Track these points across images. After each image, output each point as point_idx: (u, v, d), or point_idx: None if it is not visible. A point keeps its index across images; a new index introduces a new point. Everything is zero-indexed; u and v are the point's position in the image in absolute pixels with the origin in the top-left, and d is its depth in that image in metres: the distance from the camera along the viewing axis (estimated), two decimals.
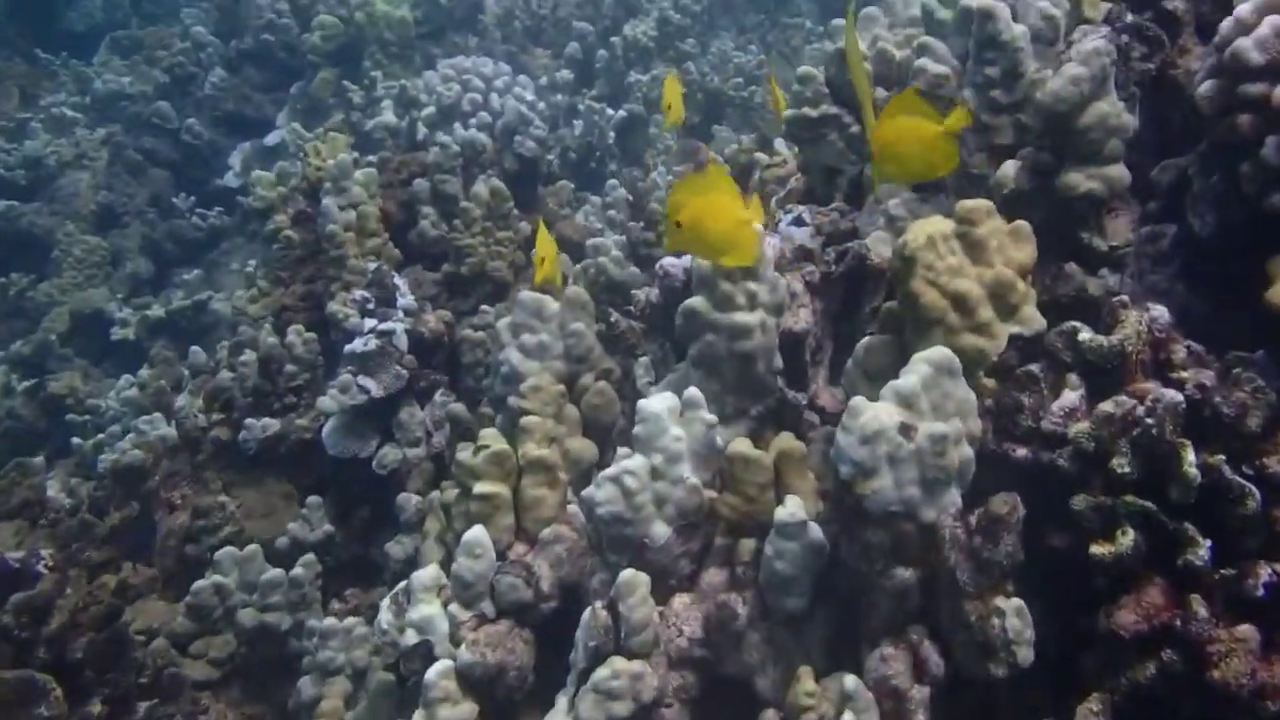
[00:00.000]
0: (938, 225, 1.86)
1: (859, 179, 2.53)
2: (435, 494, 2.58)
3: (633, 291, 2.76)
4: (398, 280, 2.99)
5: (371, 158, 3.73)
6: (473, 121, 4.20)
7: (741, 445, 2.00)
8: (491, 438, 2.30)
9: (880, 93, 2.43)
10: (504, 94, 4.76)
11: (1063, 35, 2.07)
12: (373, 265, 3.05)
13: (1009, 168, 2.00)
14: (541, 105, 4.07)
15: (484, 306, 3.12)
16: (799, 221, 2.44)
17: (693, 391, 2.05)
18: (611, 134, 4.59)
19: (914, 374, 1.70)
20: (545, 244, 2.60)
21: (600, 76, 4.97)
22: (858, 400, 1.68)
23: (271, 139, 5.48)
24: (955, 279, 1.84)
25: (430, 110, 4.67)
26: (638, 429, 2.00)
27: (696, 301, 2.13)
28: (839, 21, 2.46)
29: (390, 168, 3.61)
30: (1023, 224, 1.87)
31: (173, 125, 5.51)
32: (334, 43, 5.45)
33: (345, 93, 5.07)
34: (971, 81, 2.11)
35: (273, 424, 2.97)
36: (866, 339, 2.09)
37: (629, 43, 4.97)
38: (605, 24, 5.25)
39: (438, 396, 2.95)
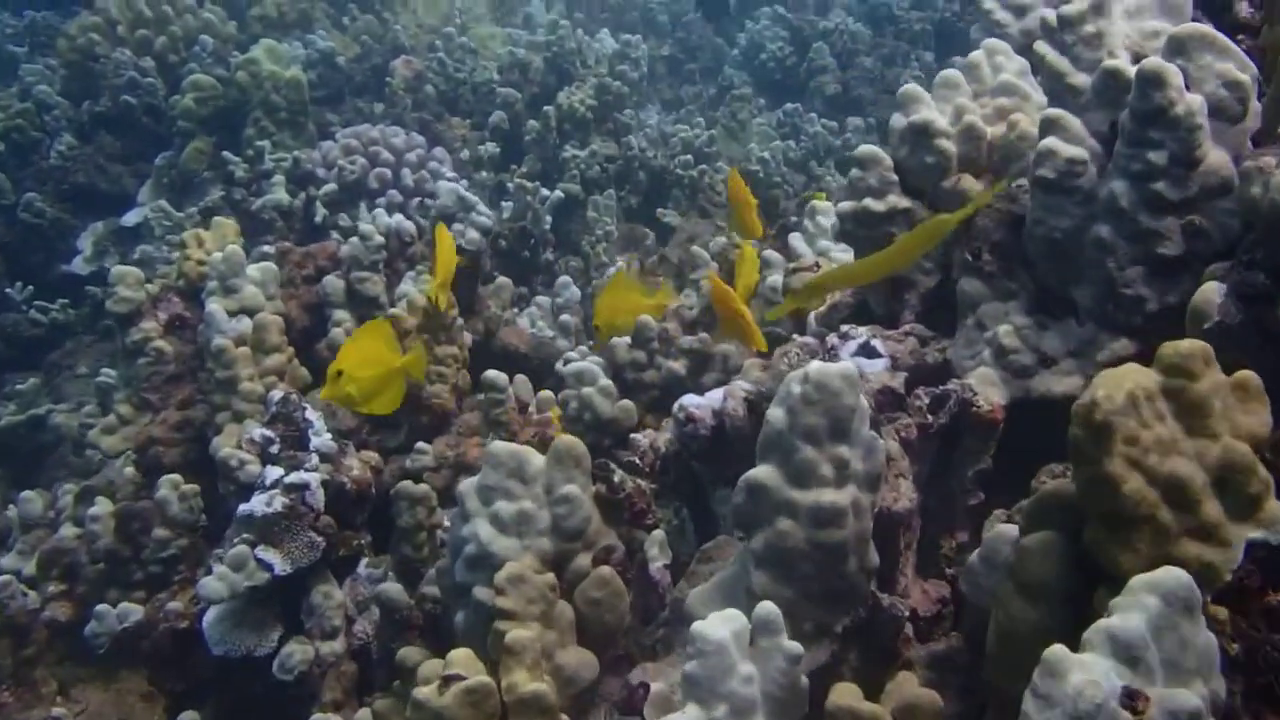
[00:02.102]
0: (1137, 378, 1.35)
1: (938, 292, 2.03)
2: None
3: (633, 437, 2.20)
4: (309, 413, 2.37)
5: (267, 247, 3.11)
6: (381, 201, 3.62)
7: (848, 696, 1.46)
8: (463, 663, 1.71)
9: (971, 183, 1.95)
10: (418, 169, 4.20)
11: (1251, 110, 1.61)
12: (276, 393, 2.42)
13: (1210, 292, 1.51)
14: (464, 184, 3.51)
15: (420, 444, 2.52)
16: (869, 351, 1.93)
17: (768, 610, 1.49)
18: (548, 218, 4.05)
19: (1137, 611, 1.17)
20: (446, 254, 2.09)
21: (530, 150, 4.44)
22: (1058, 653, 1.14)
23: (130, 218, 4.76)
24: (1168, 458, 1.32)
25: (330, 187, 4.08)
26: (693, 667, 1.43)
27: (764, 473, 1.59)
28: (912, 87, 1.97)
29: (292, 260, 3.00)
30: (1250, 377, 1.36)
31: (8, 200, 4.76)
32: (210, 106, 4.80)
33: (225, 164, 4.43)
34: (1123, 170, 1.63)
35: (133, 610, 2.30)
36: (1001, 530, 1.57)
37: (564, 112, 4.46)
38: (534, 91, 4.74)
39: (362, 569, 2.33)
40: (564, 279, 3.35)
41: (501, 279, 3.17)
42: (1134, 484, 1.30)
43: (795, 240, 2.55)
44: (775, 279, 2.52)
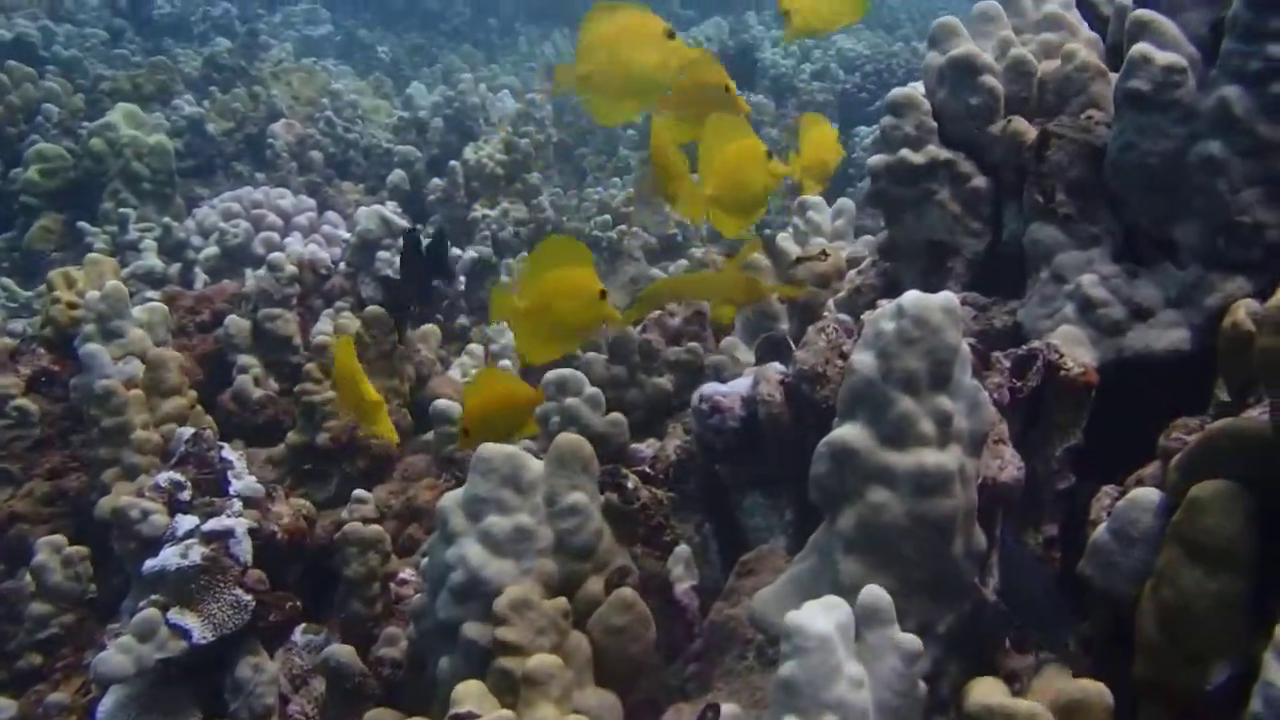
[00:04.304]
0: None
1: (988, 257, 1.83)
2: None
3: (633, 447, 1.92)
4: (227, 453, 2.02)
5: (151, 293, 2.76)
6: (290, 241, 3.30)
7: (994, 693, 1.20)
8: (475, 697, 1.39)
9: (1022, 125, 1.77)
10: (309, 233, 3.89)
11: None
12: (185, 431, 2.06)
13: None
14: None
15: (359, 492, 2.17)
16: None
17: (876, 597, 1.23)
18: (461, 279, 3.77)
19: None
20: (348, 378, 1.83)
21: (435, 211, 4.18)
22: None
23: None
24: None
25: (211, 251, 3.73)
26: (791, 670, 1.13)
27: (852, 433, 1.33)
28: (949, 19, 1.79)
29: (182, 306, 2.65)
30: None
31: None
32: (59, 179, 4.42)
33: (82, 238, 4.03)
34: (1236, 72, 1.46)
35: (6, 707, 1.88)
36: (1137, 496, 1.34)
37: (472, 168, 4.22)
38: (434, 152, 4.50)
39: (299, 636, 1.96)
40: (499, 325, 3.07)
41: (428, 325, 2.87)
42: None
43: (784, 240, 2.34)
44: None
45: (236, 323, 2.56)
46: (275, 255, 2.57)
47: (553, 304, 1.66)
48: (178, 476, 1.96)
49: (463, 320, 3.80)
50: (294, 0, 9.65)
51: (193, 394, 2.32)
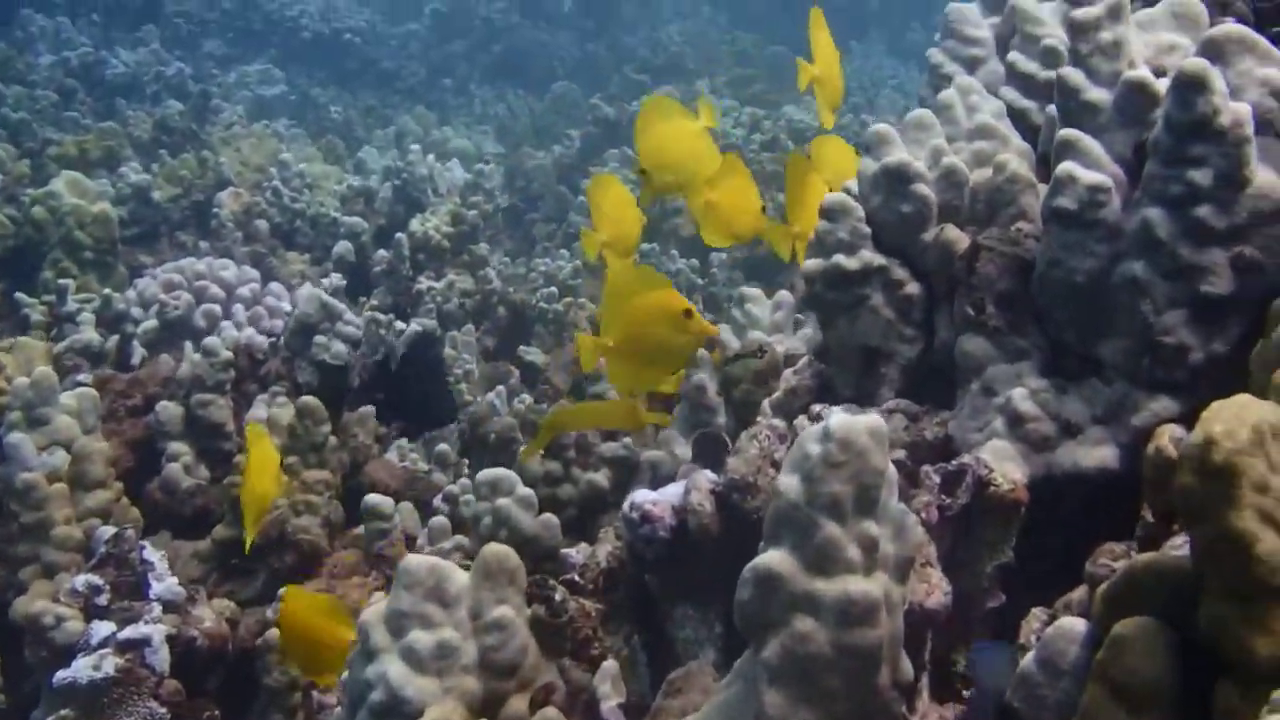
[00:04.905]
0: (1260, 411, 1.12)
1: (921, 363, 1.82)
2: None
3: (564, 552, 1.87)
4: (148, 553, 1.95)
5: (82, 376, 2.69)
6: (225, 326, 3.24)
7: None
8: None
9: (955, 234, 1.76)
10: (252, 305, 3.83)
11: None
12: (106, 530, 1.99)
13: None
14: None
15: (287, 590, 2.10)
16: None
17: None
18: (402, 352, 3.72)
19: None
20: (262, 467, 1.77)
21: (381, 283, 4.13)
22: None
23: None
24: None
25: (150, 325, 3.65)
26: None
27: (777, 559, 1.30)
28: (882, 127, 1.79)
29: (114, 389, 2.59)
30: None
31: None
32: None
33: (19, 309, 3.95)
34: (1159, 195, 1.46)
35: None
36: (1064, 626, 1.31)
37: (418, 240, 4.19)
38: (381, 222, 4.47)
39: None
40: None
41: (365, 408, 2.82)
42: (1270, 543, 1.06)
43: (723, 333, 2.32)
44: (700, 377, 2.26)
45: (168, 409, 2.50)
46: (210, 341, 2.52)
47: (643, 334, 1.64)
48: (96, 580, 1.90)
49: None
50: (248, 60, 9.64)
51: (118, 486, 2.26)
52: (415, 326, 3.94)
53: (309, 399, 2.36)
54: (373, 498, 2.17)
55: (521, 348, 4.33)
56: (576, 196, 6.30)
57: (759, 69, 9.67)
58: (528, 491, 1.96)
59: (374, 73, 10.08)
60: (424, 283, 4.13)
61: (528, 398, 3.55)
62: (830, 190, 1.84)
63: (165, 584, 1.92)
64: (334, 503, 2.35)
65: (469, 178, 4.96)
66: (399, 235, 4.15)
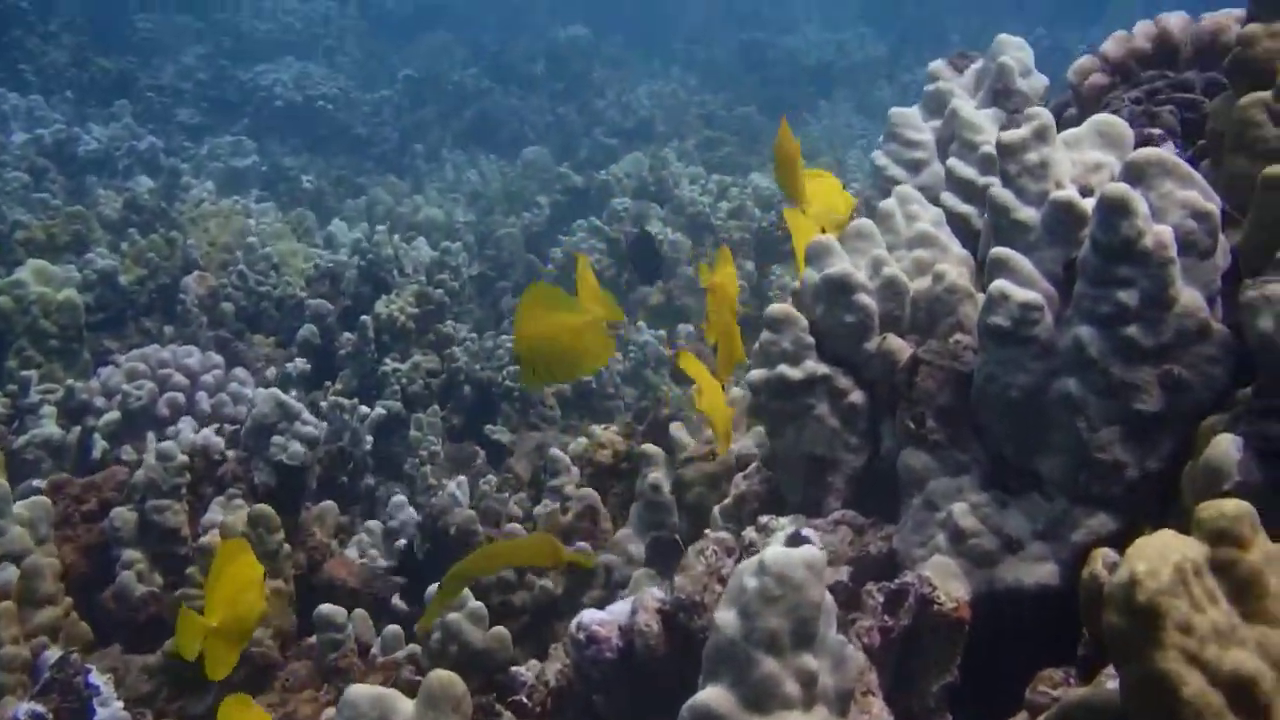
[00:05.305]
0: (1183, 548, 1.12)
1: (867, 472, 1.82)
2: None
3: (514, 671, 1.85)
4: (93, 678, 1.92)
5: (37, 482, 2.66)
6: (183, 426, 3.21)
7: None
8: None
9: (896, 343, 1.76)
10: (216, 392, 3.81)
11: (1220, 245, 1.48)
12: (50, 654, 1.96)
13: (1226, 446, 1.32)
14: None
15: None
16: (799, 543, 1.67)
17: None
18: (368, 438, 3.70)
19: None
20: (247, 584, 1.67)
21: (346, 366, 4.12)
22: None
23: None
24: (1229, 651, 1.09)
25: (112, 417, 3.63)
26: None
27: (714, 696, 1.30)
28: (823, 238, 1.80)
29: (69, 494, 2.56)
30: None
31: None
32: None
33: None
34: (1089, 314, 1.46)
35: None
36: None
37: (382, 322, 4.18)
38: (346, 304, 4.46)
39: None
40: (397, 499, 2.99)
41: (325, 503, 2.79)
42: (1195, 685, 1.06)
43: (677, 430, 2.31)
44: (656, 476, 2.25)
45: (122, 515, 2.47)
46: (165, 445, 2.50)
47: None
48: (38, 709, 1.86)
49: (369, 480, 3.73)
50: (223, 128, 9.67)
51: (68, 602, 2.23)
52: (379, 409, 3.93)
53: (261, 507, 2.33)
54: (326, 608, 2.14)
55: (488, 426, 4.32)
56: (546, 264, 6.32)
57: (728, 131, 9.76)
58: (478, 605, 1.94)
59: (347, 139, 10.12)
60: (389, 364, 4.11)
61: (493, 478, 3.54)
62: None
63: (110, 709, 1.89)
64: (288, 612, 2.32)
65: (435, 255, 4.95)
66: (364, 318, 4.15)
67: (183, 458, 2.50)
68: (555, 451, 2.64)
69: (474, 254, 6.59)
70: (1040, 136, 1.54)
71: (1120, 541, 1.43)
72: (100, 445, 3.57)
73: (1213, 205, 1.46)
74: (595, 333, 1.59)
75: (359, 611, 2.28)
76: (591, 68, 11.97)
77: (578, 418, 4.52)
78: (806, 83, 12.13)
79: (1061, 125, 2.02)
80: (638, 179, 6.93)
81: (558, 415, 4.55)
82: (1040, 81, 2.00)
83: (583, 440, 2.70)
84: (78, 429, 3.65)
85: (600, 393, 4.69)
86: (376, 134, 10.26)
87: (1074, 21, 12.69)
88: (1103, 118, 1.65)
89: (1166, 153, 1.47)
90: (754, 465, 2.00)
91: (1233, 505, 1.12)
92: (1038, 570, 1.54)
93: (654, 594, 1.71)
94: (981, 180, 1.88)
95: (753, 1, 15.55)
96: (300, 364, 4.03)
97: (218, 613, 1.64)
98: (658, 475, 2.25)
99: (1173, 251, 1.42)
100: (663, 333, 5.31)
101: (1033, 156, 1.55)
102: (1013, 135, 1.55)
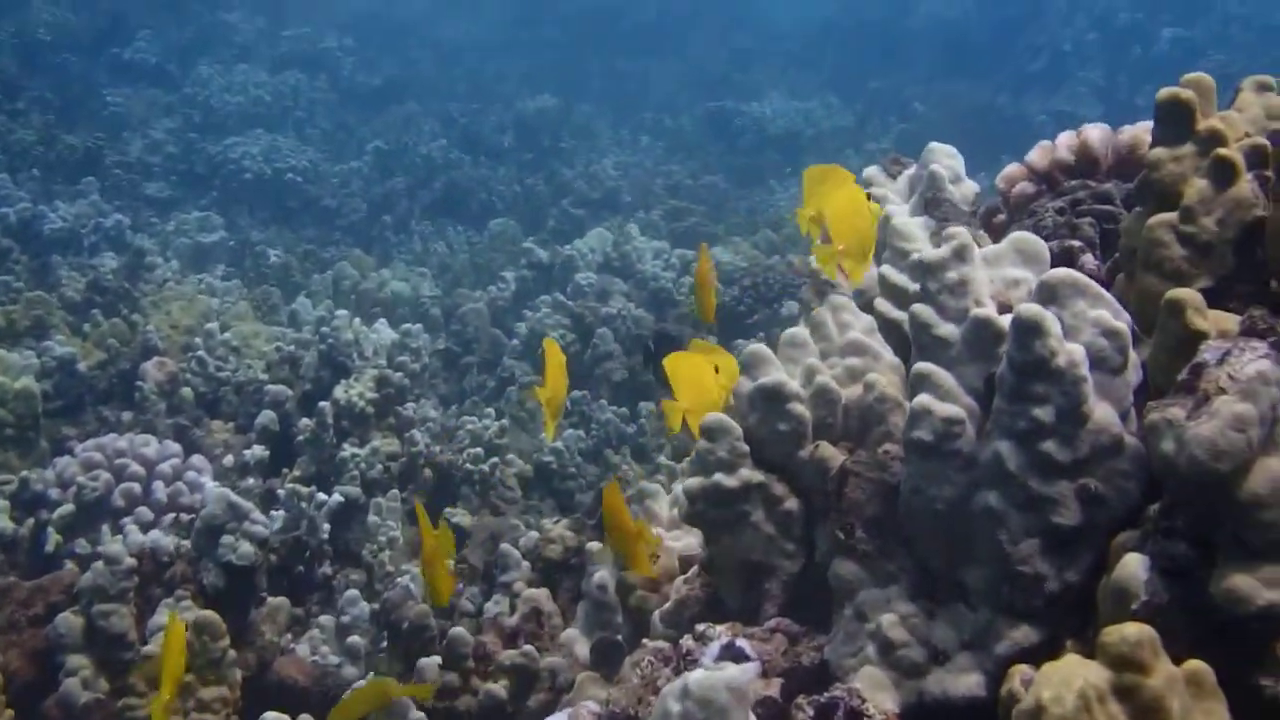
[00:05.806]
0: (1086, 675, 1.14)
1: (802, 579, 1.84)
2: None
3: None
4: None
5: None
6: (129, 523, 3.20)
7: None
8: None
9: (829, 451, 1.79)
10: (172, 481, 3.79)
11: (1131, 361, 1.52)
12: None
13: (1134, 566, 1.35)
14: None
15: None
16: (734, 654, 1.69)
17: None
18: (325, 526, 3.69)
19: None
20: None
21: (304, 452, 4.11)
22: None
23: None
24: None
25: (66, 509, 3.60)
26: None
27: None
28: (758, 347, 1.83)
29: (15, 598, 2.54)
30: (1203, 670, 1.19)
31: None
32: None
33: None
34: (1007, 429, 1.50)
35: None
36: None
37: (341, 408, 4.18)
38: (306, 388, 4.46)
39: None
40: (350, 594, 2.99)
41: (276, 600, 2.79)
42: None
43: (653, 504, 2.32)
44: (601, 575, 2.26)
45: (67, 620, 2.46)
46: (112, 549, 2.49)
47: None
48: None
49: (325, 569, 3.70)
50: (191, 201, 9.68)
51: (9, 714, 2.20)
52: (337, 496, 3.92)
53: (205, 614, 2.33)
54: (270, 717, 2.13)
55: (447, 509, 4.30)
56: (510, 340, 6.33)
57: (694, 200, 9.84)
58: (420, 716, 1.94)
59: (316, 210, 10.14)
60: (348, 449, 4.11)
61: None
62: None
63: None
64: (233, 719, 2.31)
65: (396, 337, 4.97)
66: (322, 404, 4.15)
67: (130, 560, 2.49)
68: (506, 546, 2.65)
69: (440, 328, 6.61)
70: (959, 256, 1.58)
71: (1043, 653, 1.45)
72: (54, 539, 3.54)
73: (1123, 323, 1.50)
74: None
75: (304, 717, 2.26)
76: (560, 138, 12.08)
77: (538, 498, 4.52)
78: (773, 151, 12.28)
79: (993, 229, 2.08)
80: (602, 254, 6.98)
81: (518, 495, 4.55)
82: (970, 188, 2.04)
83: (534, 535, 2.71)
84: (30, 521, 3.62)
85: (561, 473, 4.70)
86: (345, 205, 10.28)
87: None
88: (1021, 235, 1.70)
89: (1079, 273, 1.51)
90: (694, 569, 2.01)
91: (1134, 630, 1.14)
92: (964, 681, 1.55)
93: (590, 707, 1.71)
94: (913, 287, 1.91)
95: (720, 68, 15.75)
96: (258, 450, 4.03)
97: None
98: (603, 575, 2.26)
99: (1085, 369, 1.46)
100: (625, 409, 5.34)
101: (952, 275, 1.58)
102: (934, 254, 1.59)
